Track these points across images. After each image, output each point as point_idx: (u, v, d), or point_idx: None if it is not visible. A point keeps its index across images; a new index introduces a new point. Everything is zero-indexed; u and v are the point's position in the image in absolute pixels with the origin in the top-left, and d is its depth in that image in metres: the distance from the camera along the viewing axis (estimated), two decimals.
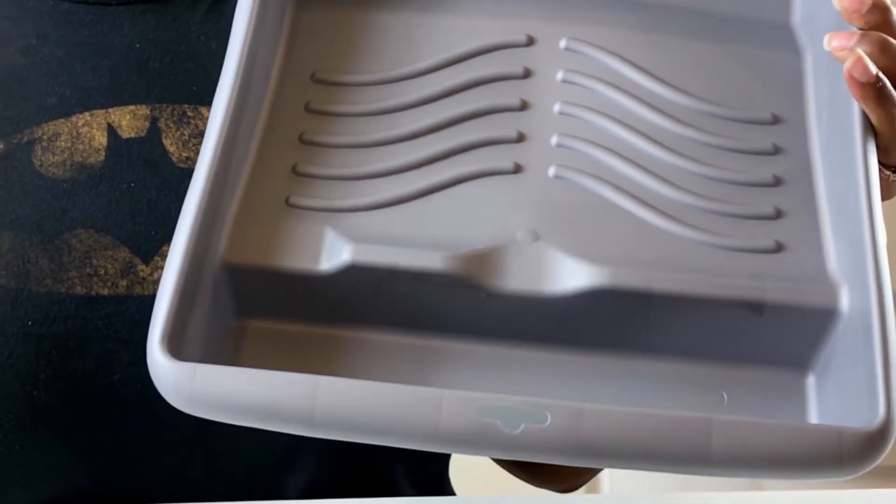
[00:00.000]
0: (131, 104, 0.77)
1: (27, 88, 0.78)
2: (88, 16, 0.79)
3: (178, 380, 0.58)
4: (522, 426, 0.57)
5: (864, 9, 0.66)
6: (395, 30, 0.72)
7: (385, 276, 0.64)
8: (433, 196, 0.67)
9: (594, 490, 1.43)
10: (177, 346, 0.59)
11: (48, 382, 0.74)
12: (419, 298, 0.64)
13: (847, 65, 0.65)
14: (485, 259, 0.64)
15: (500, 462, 0.92)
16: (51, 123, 0.76)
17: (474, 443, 0.57)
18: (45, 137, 0.76)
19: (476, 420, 0.57)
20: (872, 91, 0.65)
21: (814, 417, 0.64)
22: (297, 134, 0.68)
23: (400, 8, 0.73)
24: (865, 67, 0.64)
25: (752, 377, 0.65)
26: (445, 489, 0.87)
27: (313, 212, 0.66)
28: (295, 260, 0.64)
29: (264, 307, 0.65)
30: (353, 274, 0.64)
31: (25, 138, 0.76)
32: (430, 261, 0.63)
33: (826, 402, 0.64)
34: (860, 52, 0.65)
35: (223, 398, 0.58)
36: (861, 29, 0.67)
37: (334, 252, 0.64)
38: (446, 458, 0.87)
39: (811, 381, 0.65)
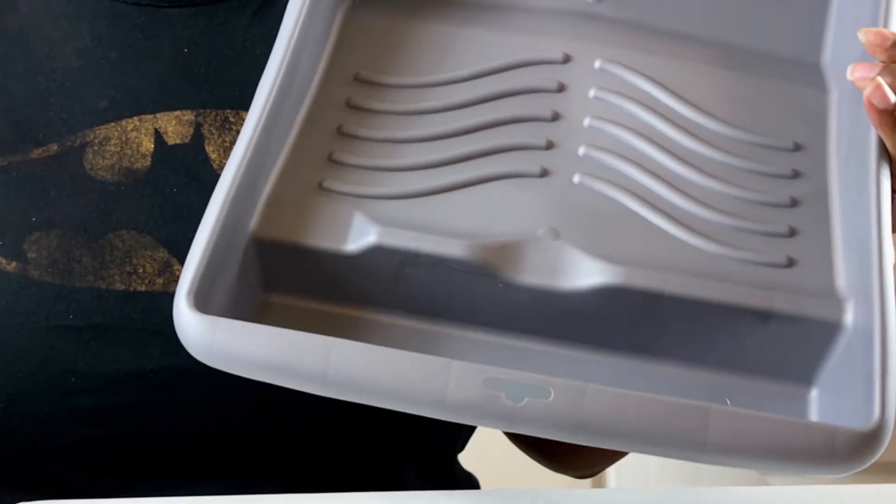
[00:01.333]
0: (177, 109, 0.80)
1: (81, 91, 0.80)
2: (141, 17, 0.82)
3: (200, 331, 0.61)
4: (526, 399, 0.59)
5: (888, 43, 0.69)
6: (438, 40, 0.75)
7: (408, 260, 0.66)
8: (460, 191, 0.69)
9: (600, 484, 1.43)
10: (202, 301, 0.62)
11: (85, 370, 0.77)
12: (438, 285, 0.67)
13: (867, 92, 0.67)
14: (505, 250, 0.66)
15: (516, 443, 0.94)
16: (102, 127, 0.80)
17: (478, 412, 0.59)
18: (96, 141, 0.79)
19: (482, 390, 0.59)
20: (890, 118, 0.67)
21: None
22: (336, 125, 0.72)
23: (444, 20, 0.76)
24: (884, 95, 0.67)
25: (755, 386, 0.67)
26: (455, 478, 0.88)
27: (344, 196, 0.68)
28: (322, 239, 0.67)
29: (289, 283, 0.68)
30: (376, 256, 0.66)
31: (78, 141, 0.79)
32: (452, 248, 0.66)
33: (825, 412, 0.65)
34: (880, 80, 0.67)
35: (241, 352, 0.60)
36: (883, 62, 0.70)
37: (360, 233, 0.66)
38: (454, 451, 0.89)
39: (812, 391, 0.66)
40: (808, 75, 0.76)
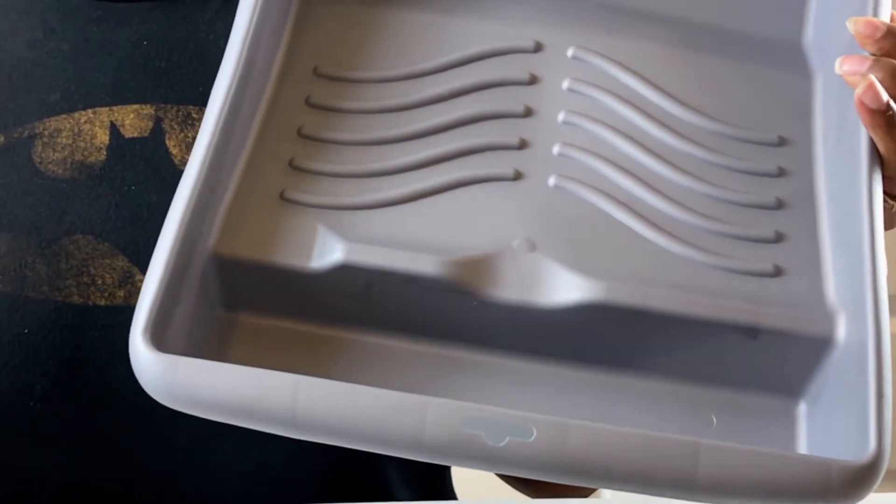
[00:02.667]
0: (136, 103, 0.76)
1: (31, 82, 0.76)
2: (97, 11, 0.78)
3: (159, 372, 0.57)
4: (507, 439, 0.56)
5: (878, 34, 0.65)
6: (401, 28, 0.71)
7: (377, 278, 0.62)
8: (430, 199, 0.66)
9: (597, 494, 1.42)
10: (159, 337, 0.58)
11: (44, 394, 0.72)
12: (410, 302, 0.63)
13: (858, 91, 0.64)
14: (479, 266, 0.63)
15: (502, 477, 0.91)
16: (53, 119, 0.75)
17: (458, 454, 0.56)
18: (46, 133, 0.75)
19: (460, 431, 0.56)
20: (882, 119, 0.64)
21: (802, 444, 0.63)
22: (295, 128, 0.67)
23: (407, 7, 0.71)
24: (877, 94, 0.63)
25: (742, 401, 0.64)
26: (445, 490, 0.86)
27: (307, 207, 0.65)
28: (286, 256, 0.63)
29: (252, 301, 0.64)
30: (344, 273, 0.63)
31: (26, 133, 0.75)
32: (423, 265, 0.62)
33: (816, 430, 0.63)
34: (872, 78, 0.64)
35: (204, 393, 0.57)
36: (873, 55, 0.66)
37: (326, 250, 0.63)
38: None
39: (802, 408, 0.64)
40: (790, 58, 0.72)
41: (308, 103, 0.68)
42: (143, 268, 0.73)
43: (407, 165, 0.67)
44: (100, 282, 0.73)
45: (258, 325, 0.64)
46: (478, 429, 0.56)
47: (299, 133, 0.67)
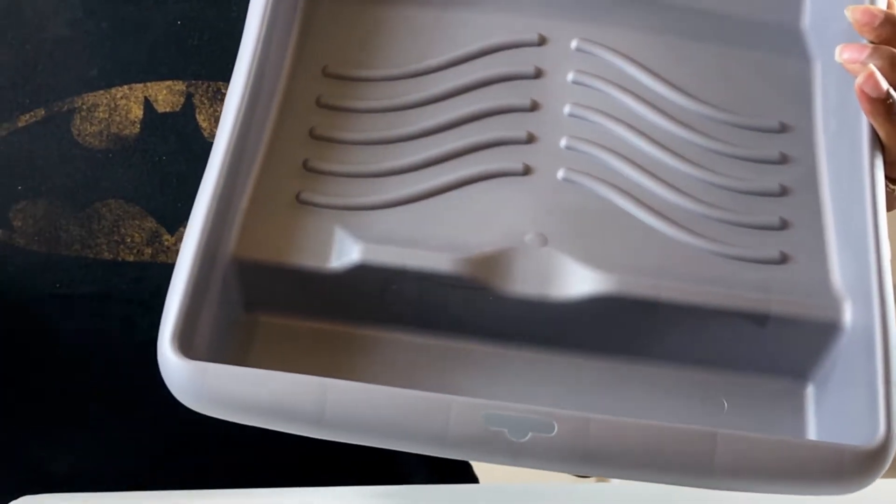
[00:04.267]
0: (169, 79, 0.80)
1: (71, 59, 0.80)
2: None
3: (188, 378, 0.58)
4: (529, 435, 0.58)
5: (876, 22, 0.67)
6: (408, 25, 0.72)
7: (393, 277, 0.64)
8: (442, 196, 0.67)
9: (603, 479, 1.44)
10: (187, 343, 0.59)
11: (74, 340, 0.77)
12: (427, 299, 0.65)
13: (859, 80, 0.65)
14: (493, 262, 0.65)
15: None
16: (91, 94, 0.79)
17: (481, 450, 0.58)
18: (84, 107, 0.79)
19: (483, 427, 0.58)
20: (882, 107, 0.65)
21: (812, 428, 0.65)
22: (308, 129, 0.69)
23: (412, 3, 0.73)
24: (877, 83, 0.65)
25: (753, 385, 0.66)
26: (463, 469, 0.88)
27: (324, 209, 0.66)
28: (305, 257, 0.64)
29: (273, 302, 0.65)
30: (361, 273, 0.64)
31: (66, 107, 0.79)
32: (438, 262, 0.64)
33: (825, 413, 0.65)
34: (872, 67, 0.65)
35: (233, 398, 0.58)
36: (872, 42, 0.67)
37: (344, 251, 0.64)
38: None
39: (811, 392, 0.65)
40: (789, 43, 0.74)
41: (319, 104, 0.69)
42: (170, 229, 0.78)
43: (418, 164, 0.68)
44: (129, 240, 0.77)
45: (279, 325, 0.66)
46: (500, 425, 0.58)
47: (311, 134, 0.68)
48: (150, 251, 0.78)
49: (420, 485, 0.77)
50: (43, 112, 0.79)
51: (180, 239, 0.76)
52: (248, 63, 0.66)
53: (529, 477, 0.93)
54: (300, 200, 0.66)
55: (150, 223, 0.78)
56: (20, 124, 0.78)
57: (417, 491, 0.69)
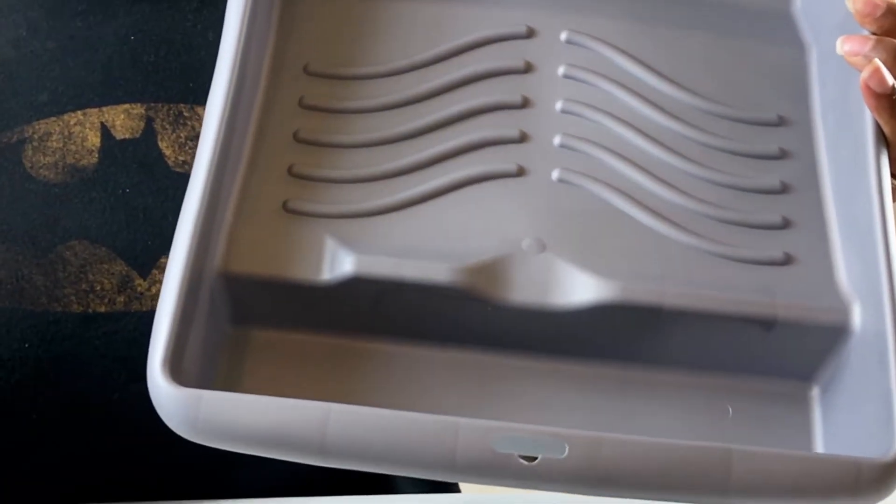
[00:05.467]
0: (126, 102, 0.74)
1: (17, 84, 0.74)
2: (81, 5, 0.75)
3: (182, 407, 0.56)
4: (540, 457, 0.56)
5: (878, 13, 0.65)
6: (391, 19, 0.69)
7: (388, 288, 0.61)
8: (435, 200, 0.65)
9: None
10: (177, 368, 0.57)
11: (47, 404, 0.71)
12: (424, 309, 0.62)
13: (864, 74, 0.63)
14: (490, 271, 0.62)
15: None
16: (42, 122, 0.73)
17: (491, 474, 0.56)
18: (35, 136, 0.73)
19: (492, 451, 0.56)
20: (887, 102, 0.63)
21: (819, 435, 0.63)
22: (291, 132, 0.66)
23: None
24: (883, 78, 0.63)
25: (759, 390, 0.64)
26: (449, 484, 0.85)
27: (312, 217, 0.63)
28: (295, 270, 0.62)
29: (264, 317, 0.63)
30: (355, 285, 0.61)
31: (15, 137, 0.73)
32: (435, 273, 0.61)
33: (834, 420, 0.63)
34: (878, 61, 0.63)
35: (230, 427, 0.56)
36: (873, 33, 0.65)
37: (336, 262, 0.61)
38: None
39: (819, 397, 0.64)
40: (781, 29, 0.72)
41: (302, 105, 0.66)
42: (142, 272, 0.72)
43: (408, 167, 0.65)
44: (98, 288, 0.72)
45: (271, 339, 0.63)
46: (510, 448, 0.56)
47: (296, 138, 0.65)
48: (122, 299, 0.71)
49: (409, 494, 0.75)
50: None
51: (154, 283, 0.72)
52: (229, 72, 0.63)
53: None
54: (287, 209, 0.63)
55: (120, 266, 0.72)
56: None
57: (406, 501, 0.67)
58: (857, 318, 0.62)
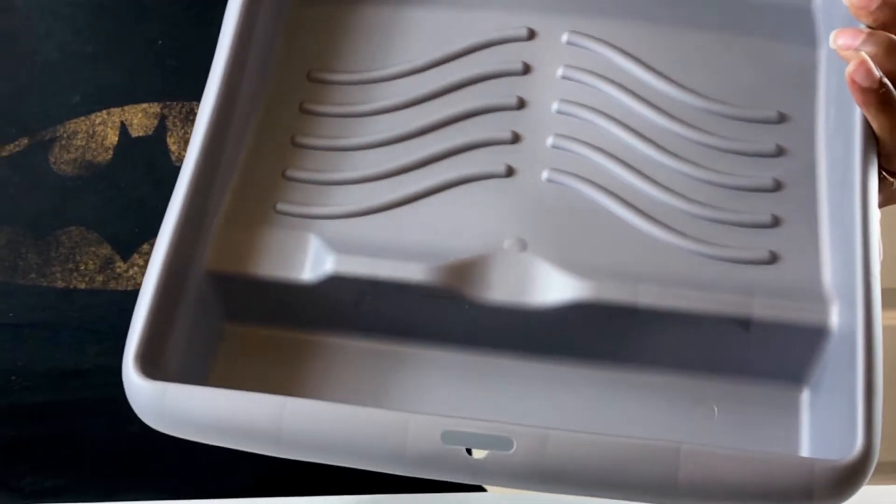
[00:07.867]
0: (145, 102, 0.79)
1: (57, 85, 0.79)
2: (119, 9, 0.80)
3: (149, 399, 0.58)
4: (487, 452, 0.57)
5: (873, 5, 0.63)
6: (393, 24, 0.71)
7: (367, 287, 0.63)
8: (422, 201, 0.66)
9: None
10: (152, 362, 0.59)
11: (24, 368, 0.77)
12: (401, 308, 0.64)
13: (849, 68, 0.62)
14: (468, 270, 0.63)
15: None
16: (72, 122, 0.78)
17: (440, 468, 0.57)
18: (65, 136, 0.78)
19: (440, 445, 0.57)
20: (874, 97, 0.61)
21: (805, 435, 0.62)
22: (289, 136, 0.68)
23: (401, 3, 0.71)
24: (869, 71, 0.61)
25: (744, 390, 0.63)
26: None
27: (301, 219, 0.65)
28: (278, 269, 0.64)
29: (247, 313, 0.65)
30: (335, 284, 0.63)
31: (48, 136, 0.78)
32: (410, 272, 0.63)
33: (819, 420, 0.62)
34: (864, 54, 0.62)
35: (192, 418, 0.58)
36: (869, 27, 0.64)
37: (317, 262, 0.63)
38: None
39: (806, 396, 0.63)
40: (796, 25, 0.70)
41: (302, 110, 0.69)
42: (125, 255, 0.78)
43: (400, 168, 0.67)
44: (83, 267, 0.77)
45: (255, 336, 0.65)
46: (458, 442, 0.57)
47: (293, 142, 0.68)
48: (101, 278, 0.77)
49: (414, 494, 0.76)
50: (27, 141, 0.78)
51: (132, 266, 0.77)
52: (222, 69, 0.65)
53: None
54: (277, 210, 0.66)
55: (106, 250, 0.77)
56: (3, 154, 0.78)
57: (408, 501, 0.68)
58: (835, 317, 0.61)
